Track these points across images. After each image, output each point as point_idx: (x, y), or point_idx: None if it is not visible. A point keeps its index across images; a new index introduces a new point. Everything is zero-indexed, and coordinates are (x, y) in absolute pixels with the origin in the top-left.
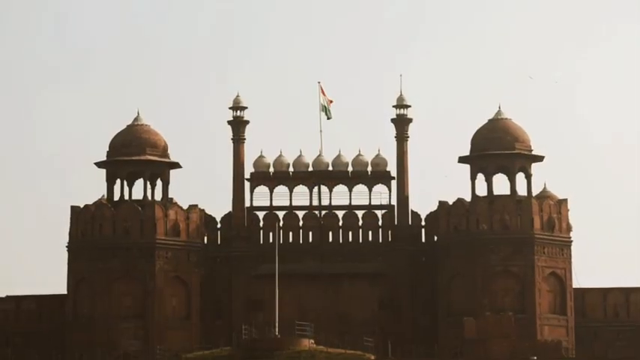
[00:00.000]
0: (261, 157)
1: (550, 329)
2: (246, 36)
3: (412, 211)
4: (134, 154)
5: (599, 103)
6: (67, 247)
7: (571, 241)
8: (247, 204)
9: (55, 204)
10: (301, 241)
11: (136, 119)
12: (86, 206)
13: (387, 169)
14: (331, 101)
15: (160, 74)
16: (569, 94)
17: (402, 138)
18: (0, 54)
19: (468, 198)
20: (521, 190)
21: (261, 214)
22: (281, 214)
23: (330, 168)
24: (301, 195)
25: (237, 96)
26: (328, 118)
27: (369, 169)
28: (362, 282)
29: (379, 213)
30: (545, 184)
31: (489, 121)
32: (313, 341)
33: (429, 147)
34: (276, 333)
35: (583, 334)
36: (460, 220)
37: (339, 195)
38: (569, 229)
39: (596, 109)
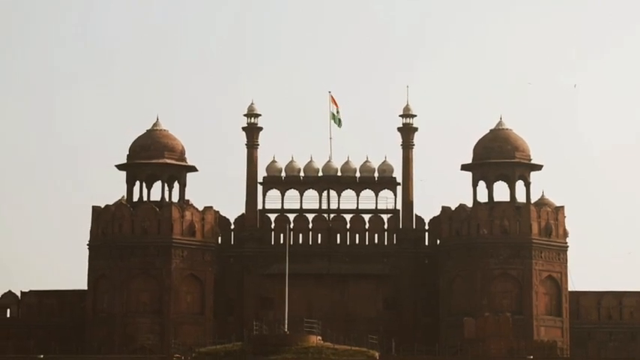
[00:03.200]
0: (273, 162)
1: (546, 330)
2: (260, 47)
3: (416, 215)
4: (153, 157)
5: (596, 115)
6: (87, 245)
7: (567, 247)
8: (260, 206)
9: (77, 204)
10: (310, 243)
11: (155, 124)
12: (107, 206)
13: (393, 176)
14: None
15: (178, 82)
16: (567, 106)
17: (407, 146)
18: (23, 58)
19: (469, 204)
20: (521, 197)
21: (272, 217)
22: (292, 216)
23: (339, 173)
24: (311, 199)
25: (252, 104)
26: (339, 126)
27: (376, 175)
28: (367, 282)
29: (385, 217)
30: (543, 192)
31: (491, 131)
32: (320, 338)
33: (434, 155)
34: (286, 329)
35: (577, 335)
36: (462, 225)
37: (347, 199)
38: (565, 234)
39: (593, 122)
